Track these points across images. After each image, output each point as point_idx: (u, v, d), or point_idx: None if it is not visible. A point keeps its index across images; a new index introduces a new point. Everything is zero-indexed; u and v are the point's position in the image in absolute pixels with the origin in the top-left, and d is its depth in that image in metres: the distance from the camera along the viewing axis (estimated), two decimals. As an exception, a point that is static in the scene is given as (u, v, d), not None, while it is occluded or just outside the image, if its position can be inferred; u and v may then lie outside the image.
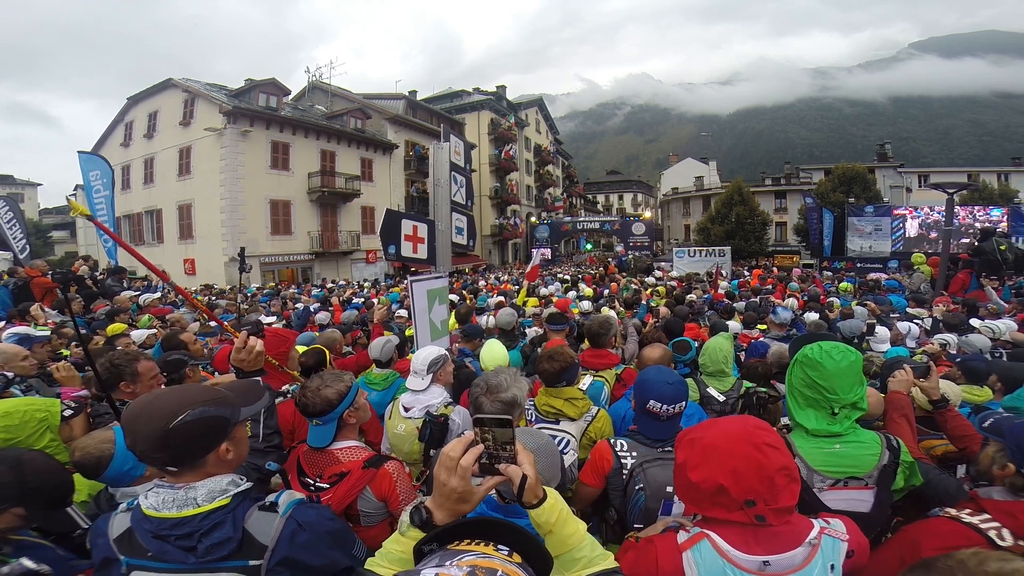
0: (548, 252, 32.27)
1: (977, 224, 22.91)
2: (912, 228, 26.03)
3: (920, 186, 40.41)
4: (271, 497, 1.26)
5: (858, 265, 22.19)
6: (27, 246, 11.09)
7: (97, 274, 12.41)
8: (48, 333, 4.32)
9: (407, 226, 3.65)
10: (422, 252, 3.78)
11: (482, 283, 15.60)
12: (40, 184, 52.40)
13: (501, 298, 9.68)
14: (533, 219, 41.56)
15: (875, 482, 1.73)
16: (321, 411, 1.91)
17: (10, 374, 3.17)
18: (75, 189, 38.47)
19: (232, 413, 1.27)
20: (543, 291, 9.95)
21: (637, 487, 1.82)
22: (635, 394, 2.01)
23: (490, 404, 1.70)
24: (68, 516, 1.57)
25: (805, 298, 8.41)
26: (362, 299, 11.15)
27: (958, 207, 23.75)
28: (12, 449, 1.67)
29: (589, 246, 41.65)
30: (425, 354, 2.61)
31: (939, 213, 25.88)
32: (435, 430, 2.23)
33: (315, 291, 14.66)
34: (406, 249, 3.66)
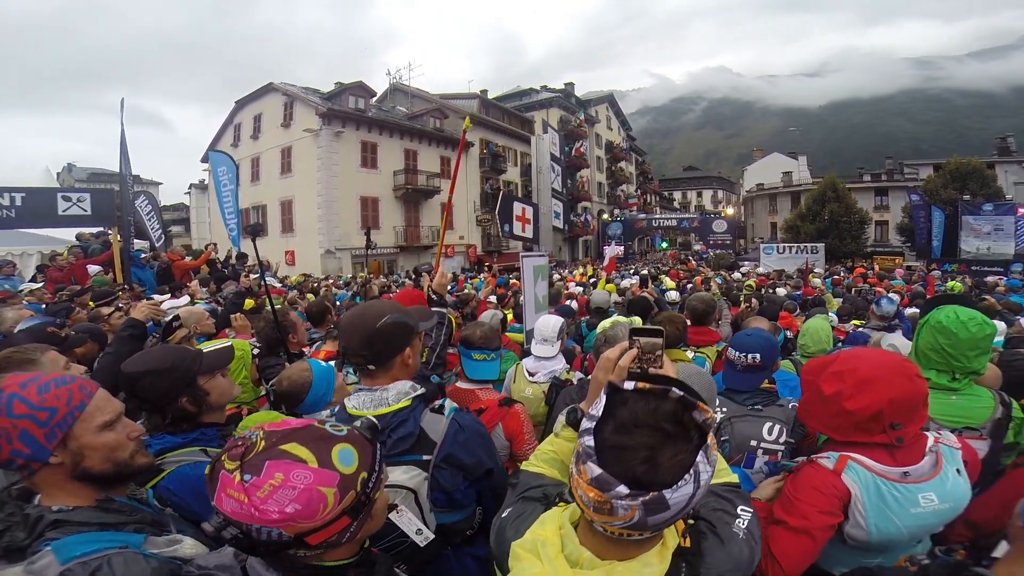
0: (621, 250, 31.73)
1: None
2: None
3: (1054, 182, 35.58)
4: (438, 402, 1.52)
5: (973, 268, 19.95)
6: (162, 235, 12.77)
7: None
8: (210, 303, 5.15)
9: (518, 208, 4.05)
10: (529, 232, 4.15)
11: (556, 276, 15.85)
12: (161, 183, 58.85)
13: (580, 288, 9.92)
14: (605, 216, 40.96)
15: (988, 434, 1.83)
16: None
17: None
18: (189, 188, 43.00)
19: (415, 323, 1.57)
20: (622, 284, 10.05)
21: (722, 439, 1.96)
22: None
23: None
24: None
25: (909, 296, 7.91)
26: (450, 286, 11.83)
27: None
28: None
29: (664, 244, 40.48)
30: (553, 322, 2.74)
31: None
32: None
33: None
34: (517, 228, 4.06)
